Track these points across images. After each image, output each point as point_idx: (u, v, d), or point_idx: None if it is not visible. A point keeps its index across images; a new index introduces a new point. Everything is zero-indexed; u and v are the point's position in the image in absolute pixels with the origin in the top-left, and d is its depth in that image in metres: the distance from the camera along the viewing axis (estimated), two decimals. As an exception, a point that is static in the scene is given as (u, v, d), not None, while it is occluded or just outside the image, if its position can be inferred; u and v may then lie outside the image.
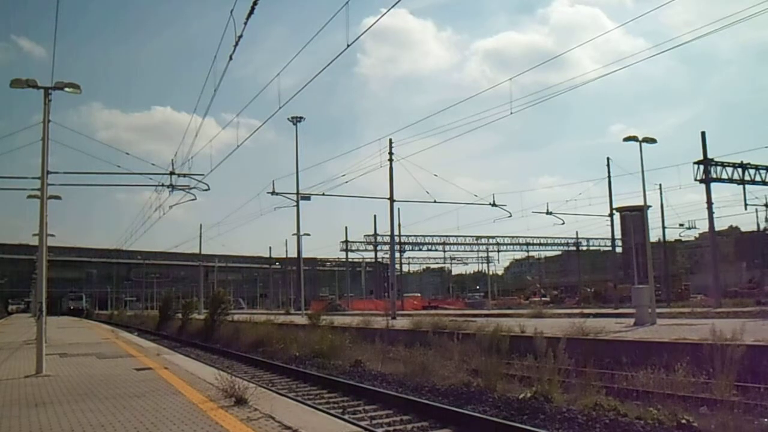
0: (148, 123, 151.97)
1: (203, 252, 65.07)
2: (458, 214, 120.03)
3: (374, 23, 13.70)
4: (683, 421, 7.38)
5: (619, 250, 54.33)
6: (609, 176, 44.26)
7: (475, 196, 54.48)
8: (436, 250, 77.89)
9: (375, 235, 64.07)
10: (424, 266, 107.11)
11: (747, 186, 39.65)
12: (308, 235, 54.63)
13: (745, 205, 41.43)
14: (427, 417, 8.88)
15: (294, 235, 48.27)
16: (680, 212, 74.60)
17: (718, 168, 37.47)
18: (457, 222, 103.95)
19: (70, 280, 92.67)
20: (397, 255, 62.36)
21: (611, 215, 46.98)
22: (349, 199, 42.84)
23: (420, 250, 76.46)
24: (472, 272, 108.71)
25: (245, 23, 10.64)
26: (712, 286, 37.61)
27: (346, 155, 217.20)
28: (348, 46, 11.99)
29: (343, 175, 39.83)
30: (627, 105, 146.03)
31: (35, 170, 14.53)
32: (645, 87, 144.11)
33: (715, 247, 39.37)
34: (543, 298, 65.48)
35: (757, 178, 39.35)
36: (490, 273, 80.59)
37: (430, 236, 72.66)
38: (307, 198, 41.94)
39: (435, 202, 38.02)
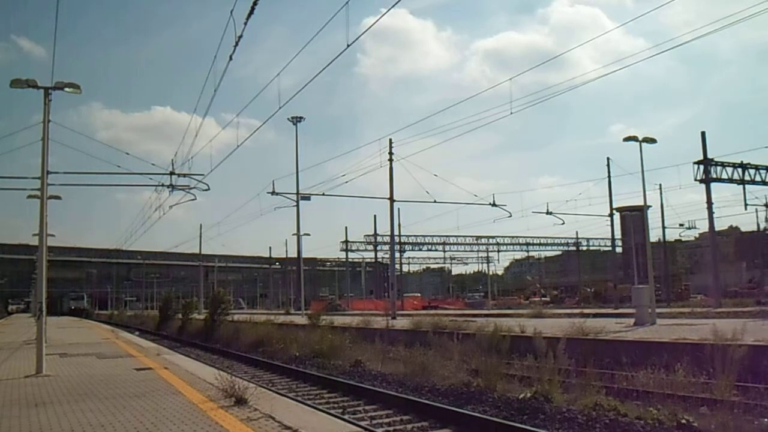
0: (148, 123, 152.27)
1: (203, 252, 65.12)
2: (458, 214, 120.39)
3: (374, 23, 13.71)
4: (683, 421, 7.37)
5: (619, 250, 54.43)
6: (609, 176, 44.31)
7: (475, 196, 54.60)
8: (436, 250, 78.02)
9: (375, 235, 64.09)
10: (424, 266, 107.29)
11: (747, 186, 39.67)
12: (308, 235, 54.72)
13: (745, 205, 41.46)
14: (427, 417, 8.88)
15: (294, 235, 48.32)
16: (680, 212, 74.82)
17: (718, 168, 37.46)
18: (457, 222, 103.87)
19: (70, 280, 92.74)
20: (397, 255, 62.40)
21: (611, 215, 47.02)
22: (349, 199, 42.93)
23: (420, 250, 76.56)
24: (472, 272, 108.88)
25: (245, 23, 10.65)
26: (712, 286, 37.58)
27: (346, 155, 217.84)
28: (348, 46, 12.00)
29: (343, 175, 39.90)
30: (627, 105, 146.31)
31: (35, 170, 14.54)
32: (645, 87, 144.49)
33: (715, 247, 39.35)
34: (543, 298, 65.46)
35: (757, 178, 39.34)
36: (490, 273, 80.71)
37: (430, 236, 72.78)
38: (307, 198, 41.99)
39: (435, 202, 38.05)
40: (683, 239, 66.46)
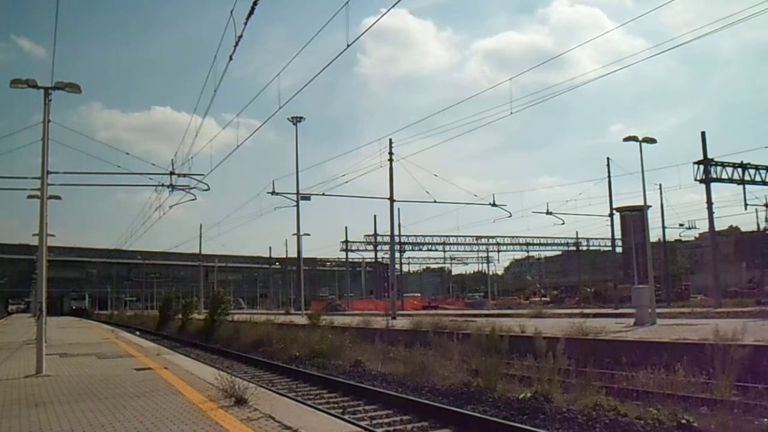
0: (148, 123, 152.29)
1: (203, 252, 65.19)
2: (458, 214, 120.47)
3: (374, 23, 13.72)
4: (683, 421, 7.37)
5: (619, 250, 54.45)
6: (609, 176, 44.32)
7: (475, 196, 54.65)
8: (436, 250, 78.02)
9: (375, 235, 64.10)
10: (424, 266, 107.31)
11: (747, 186, 39.66)
12: (308, 235, 54.74)
13: (745, 205, 41.46)
14: (427, 417, 8.88)
15: (294, 235, 48.37)
16: (680, 212, 74.88)
17: (718, 168, 37.45)
18: (457, 222, 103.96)
19: (71, 280, 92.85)
20: (397, 255, 62.39)
21: (611, 215, 47.02)
22: (349, 199, 42.91)
23: (420, 250, 76.55)
24: (472, 272, 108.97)
25: (245, 23, 10.64)
26: (712, 286, 37.59)
27: (346, 155, 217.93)
28: (348, 46, 12.00)
29: (343, 175, 39.94)
30: (627, 105, 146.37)
31: (35, 170, 14.53)
32: (645, 87, 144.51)
33: (715, 247, 39.35)
34: (543, 298, 65.49)
35: (757, 178, 39.33)
36: (490, 273, 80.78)
37: (430, 236, 72.78)
38: (307, 198, 42.00)
39: (435, 202, 38.06)
40: (683, 239, 66.60)
